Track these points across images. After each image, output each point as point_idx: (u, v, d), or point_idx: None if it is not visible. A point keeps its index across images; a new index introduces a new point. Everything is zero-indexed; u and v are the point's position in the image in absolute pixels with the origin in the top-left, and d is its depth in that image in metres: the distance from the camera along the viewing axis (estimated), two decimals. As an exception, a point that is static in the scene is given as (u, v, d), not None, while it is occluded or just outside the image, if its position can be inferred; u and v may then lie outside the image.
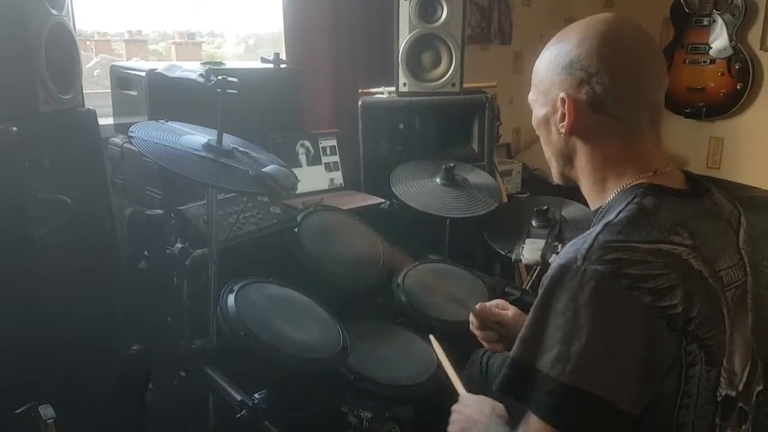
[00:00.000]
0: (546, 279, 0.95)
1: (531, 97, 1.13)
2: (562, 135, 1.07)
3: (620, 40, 1.02)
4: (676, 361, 0.91)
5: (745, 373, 1.01)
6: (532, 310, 0.96)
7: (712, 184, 1.09)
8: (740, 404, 1.00)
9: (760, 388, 1.05)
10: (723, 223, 1.05)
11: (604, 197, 1.06)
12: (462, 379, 1.38)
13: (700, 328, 0.91)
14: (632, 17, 1.07)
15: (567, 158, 1.10)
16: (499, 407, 1.18)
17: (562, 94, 1.04)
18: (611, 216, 0.97)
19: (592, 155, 1.06)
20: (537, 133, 1.15)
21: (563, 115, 1.05)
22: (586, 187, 1.11)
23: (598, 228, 0.95)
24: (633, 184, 1.03)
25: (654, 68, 1.04)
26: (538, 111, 1.11)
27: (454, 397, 1.31)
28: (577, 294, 0.89)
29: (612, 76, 1.00)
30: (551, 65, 1.06)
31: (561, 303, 0.90)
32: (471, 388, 1.35)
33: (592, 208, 1.10)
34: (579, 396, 0.88)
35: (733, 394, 0.99)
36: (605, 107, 1.02)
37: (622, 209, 0.97)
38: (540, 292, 0.95)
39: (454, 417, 1.24)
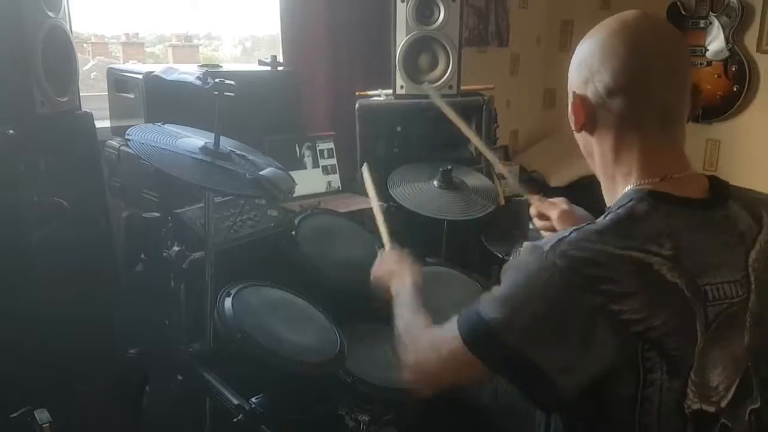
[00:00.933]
0: (517, 252, 1.01)
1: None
2: (574, 129, 1.10)
3: (628, 37, 1.01)
4: (631, 364, 0.93)
5: (731, 391, 0.99)
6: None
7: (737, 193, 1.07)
8: (723, 420, 0.98)
9: (755, 405, 1.02)
10: (731, 237, 1.01)
11: (614, 197, 1.06)
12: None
13: (665, 337, 0.92)
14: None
15: (588, 154, 1.13)
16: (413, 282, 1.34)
17: (572, 90, 1.07)
18: (602, 217, 0.99)
19: (602, 152, 1.08)
20: None
21: (572, 113, 1.08)
22: (602, 183, 1.12)
23: (582, 224, 0.98)
24: (636, 187, 1.02)
25: (664, 68, 1.01)
26: (569, 106, 1.11)
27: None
28: (533, 278, 0.95)
29: (613, 75, 1.00)
30: (574, 61, 1.08)
31: (519, 276, 0.97)
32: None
33: (608, 203, 1.10)
34: (505, 340, 0.94)
35: (712, 409, 0.97)
36: (607, 105, 1.03)
37: (612, 211, 0.99)
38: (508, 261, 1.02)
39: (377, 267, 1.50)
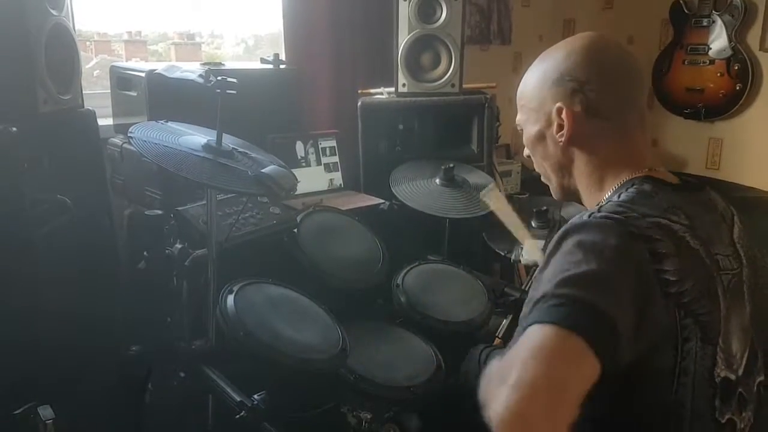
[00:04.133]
0: (552, 238, 0.97)
1: (520, 118, 1.18)
2: (560, 145, 1.12)
3: (603, 50, 1.11)
4: (671, 334, 0.93)
5: (744, 359, 1.03)
6: (543, 260, 0.96)
7: (708, 184, 1.13)
8: (740, 389, 1.01)
9: (761, 378, 1.06)
10: (717, 216, 1.09)
11: (602, 195, 1.10)
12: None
13: (695, 303, 0.94)
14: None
15: (565, 169, 1.15)
16: None
17: (558, 104, 1.09)
18: (613, 199, 1.03)
19: (590, 160, 1.11)
20: (530, 153, 1.20)
21: (560, 126, 1.10)
22: (584, 191, 1.14)
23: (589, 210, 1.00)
24: (630, 178, 1.08)
25: (635, 73, 1.12)
26: (531, 129, 1.16)
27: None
28: (584, 237, 0.91)
29: (602, 82, 1.07)
30: (540, 82, 1.12)
31: (566, 246, 0.92)
32: (468, 383, 1.36)
33: (591, 207, 1.11)
34: (584, 305, 0.84)
35: (733, 377, 1.00)
36: (599, 111, 1.08)
37: (622, 193, 1.03)
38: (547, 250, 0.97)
39: None
